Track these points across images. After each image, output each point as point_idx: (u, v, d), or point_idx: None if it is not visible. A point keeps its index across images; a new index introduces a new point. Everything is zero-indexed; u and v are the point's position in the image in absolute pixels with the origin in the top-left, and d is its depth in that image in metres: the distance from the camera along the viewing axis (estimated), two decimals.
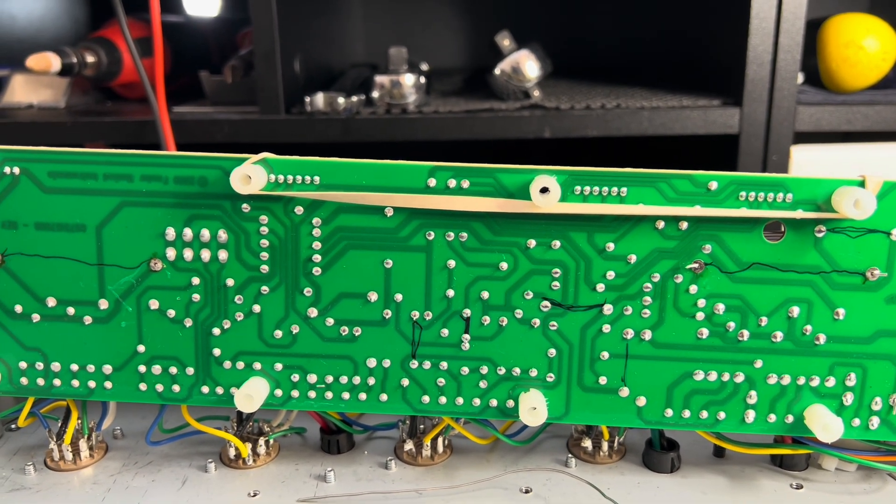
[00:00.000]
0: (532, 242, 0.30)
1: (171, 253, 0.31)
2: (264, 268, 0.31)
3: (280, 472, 0.33)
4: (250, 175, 0.29)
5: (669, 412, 0.31)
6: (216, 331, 0.31)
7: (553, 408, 0.31)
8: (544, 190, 0.29)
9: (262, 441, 0.34)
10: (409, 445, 0.34)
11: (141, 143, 0.51)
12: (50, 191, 0.30)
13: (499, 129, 0.51)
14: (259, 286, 0.31)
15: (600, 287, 0.30)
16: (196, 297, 0.31)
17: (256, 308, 0.31)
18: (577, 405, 0.32)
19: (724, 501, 0.31)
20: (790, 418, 0.31)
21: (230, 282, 0.31)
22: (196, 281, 0.31)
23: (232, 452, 0.34)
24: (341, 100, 0.50)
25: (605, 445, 0.34)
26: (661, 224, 0.30)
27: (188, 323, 0.31)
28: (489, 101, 0.54)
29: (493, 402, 0.32)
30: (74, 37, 0.87)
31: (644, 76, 0.71)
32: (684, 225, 0.30)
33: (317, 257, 0.30)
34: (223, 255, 0.31)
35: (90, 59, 0.54)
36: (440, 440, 0.34)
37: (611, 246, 0.30)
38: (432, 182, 0.30)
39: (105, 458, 0.34)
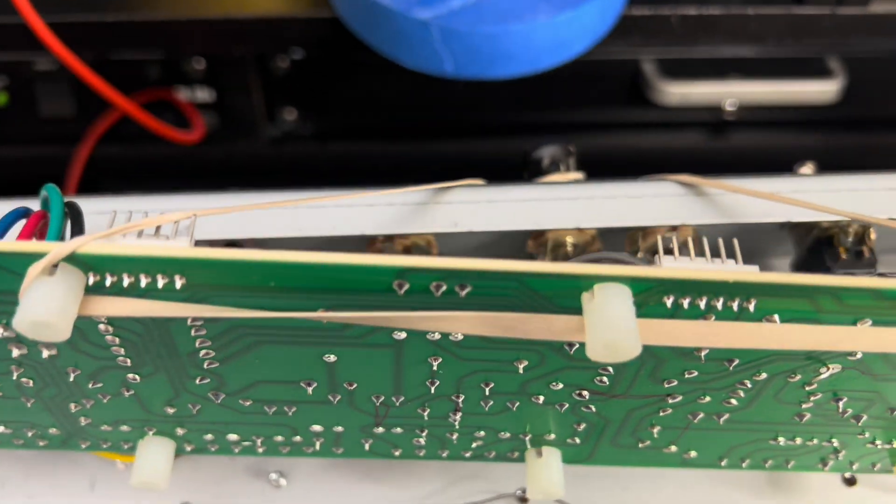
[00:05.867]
0: (577, 344, 0.18)
1: None
2: (123, 360, 0.18)
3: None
4: (48, 323, 0.15)
5: (724, 462, 0.23)
6: (73, 406, 0.20)
7: (570, 455, 0.23)
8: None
9: None
10: None
11: None
12: None
13: None
14: (123, 374, 0.19)
15: (671, 382, 0.19)
16: (27, 381, 0.19)
17: (127, 392, 0.20)
18: (604, 454, 0.23)
19: None
20: None
21: (72, 371, 0.19)
22: (15, 371, 0.19)
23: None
24: None
25: None
26: None
27: (29, 403, 0.20)
28: None
29: (491, 454, 0.23)
30: None
31: None
32: None
33: (207, 353, 0.18)
34: (47, 351, 0.18)
35: None
36: None
37: (705, 350, 0.18)
38: (403, 286, 0.16)
39: None
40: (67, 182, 0.36)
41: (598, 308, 0.15)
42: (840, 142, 0.41)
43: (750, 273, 0.16)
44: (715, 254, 0.18)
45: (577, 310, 0.16)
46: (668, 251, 0.18)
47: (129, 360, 0.18)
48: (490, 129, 0.40)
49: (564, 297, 0.16)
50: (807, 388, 0.19)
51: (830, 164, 0.41)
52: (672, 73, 0.38)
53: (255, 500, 0.25)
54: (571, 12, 0.30)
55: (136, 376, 0.19)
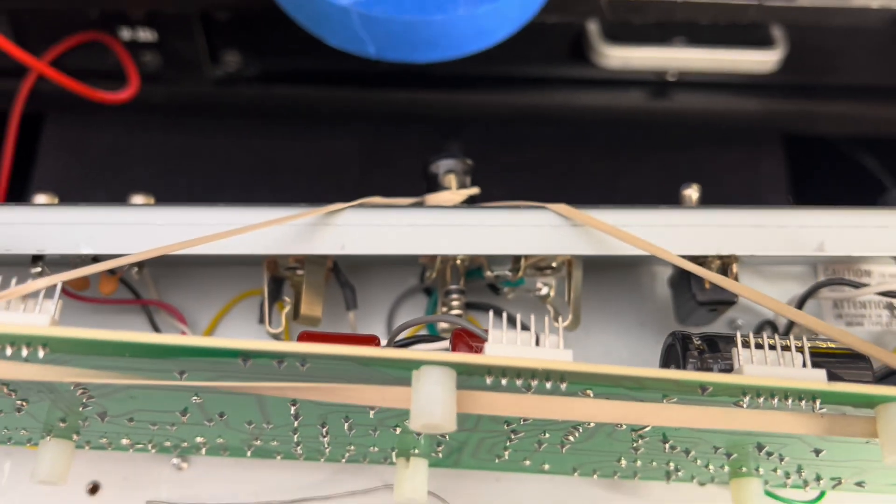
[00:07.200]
0: None
1: None
2: (8, 393, 0.20)
3: None
4: None
5: (577, 473, 0.26)
6: None
7: (437, 462, 0.25)
8: None
9: None
10: None
11: None
12: None
13: None
14: (11, 399, 0.21)
15: (510, 424, 0.21)
16: None
17: (18, 413, 0.21)
18: (468, 463, 0.25)
19: None
20: None
21: None
22: None
23: None
24: None
25: None
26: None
27: None
28: None
29: (365, 460, 0.25)
30: None
31: None
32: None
33: (83, 392, 0.20)
34: None
35: None
36: None
37: None
38: (247, 361, 0.17)
39: None
40: (11, 115, 0.37)
41: (422, 389, 0.17)
42: (781, 106, 0.41)
43: (558, 363, 0.17)
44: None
45: (408, 380, 0.18)
46: (498, 323, 0.19)
47: (13, 394, 0.20)
48: (431, 78, 0.40)
49: (396, 370, 0.18)
50: (634, 435, 0.22)
51: (772, 128, 0.42)
52: (615, 37, 0.38)
53: (163, 484, 0.27)
54: (491, 4, 0.30)
55: (24, 402, 0.21)
